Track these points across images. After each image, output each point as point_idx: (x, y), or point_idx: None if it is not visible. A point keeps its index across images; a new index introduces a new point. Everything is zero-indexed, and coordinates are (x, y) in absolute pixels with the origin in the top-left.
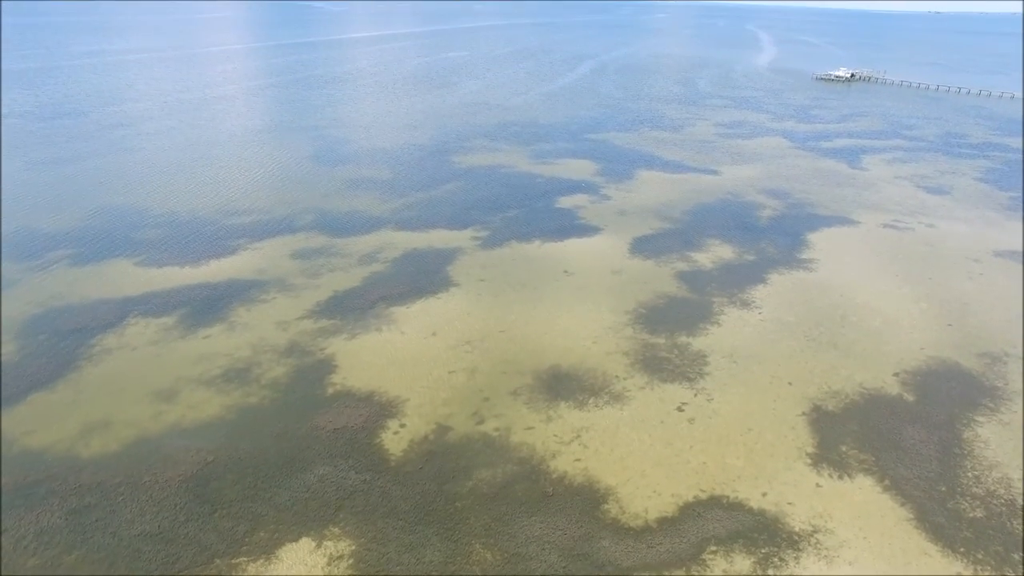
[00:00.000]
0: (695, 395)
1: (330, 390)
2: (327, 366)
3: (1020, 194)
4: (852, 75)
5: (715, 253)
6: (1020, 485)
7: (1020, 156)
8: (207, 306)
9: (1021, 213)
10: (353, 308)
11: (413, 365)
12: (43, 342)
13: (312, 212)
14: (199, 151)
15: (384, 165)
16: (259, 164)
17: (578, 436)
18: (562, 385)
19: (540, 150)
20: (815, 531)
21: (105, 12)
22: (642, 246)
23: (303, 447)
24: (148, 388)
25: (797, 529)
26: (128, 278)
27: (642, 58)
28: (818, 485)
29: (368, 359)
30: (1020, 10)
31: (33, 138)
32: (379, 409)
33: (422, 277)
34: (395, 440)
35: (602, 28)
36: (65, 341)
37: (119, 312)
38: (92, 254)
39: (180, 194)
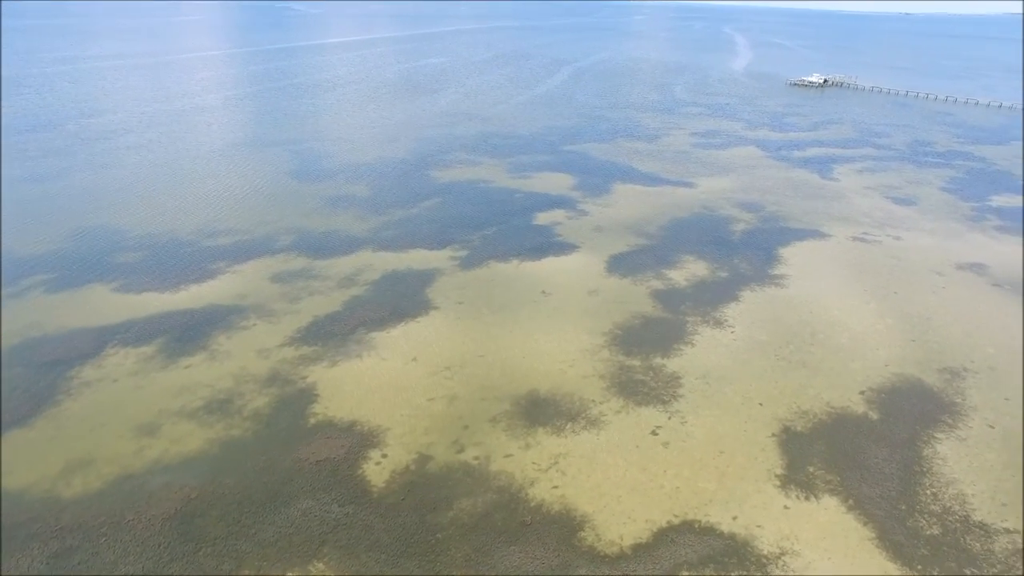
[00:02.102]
0: (669, 418)
1: (312, 420)
2: (309, 395)
3: (982, 205)
4: (825, 81)
5: (689, 270)
6: (974, 501)
7: (982, 165)
8: (187, 334)
9: (982, 224)
10: (334, 334)
11: (394, 393)
12: (20, 375)
13: (292, 232)
14: (178, 167)
15: (363, 181)
16: (239, 181)
17: (556, 463)
18: (540, 411)
19: (518, 163)
20: (782, 554)
21: (76, 15)
22: (618, 264)
23: (286, 480)
24: (130, 422)
25: (765, 552)
26: (106, 305)
27: (620, 63)
28: (786, 507)
29: (349, 387)
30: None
31: (9, 152)
32: (361, 439)
33: (401, 300)
34: (377, 471)
35: (581, 31)
36: (43, 374)
37: (98, 341)
38: (69, 279)
39: (159, 214)
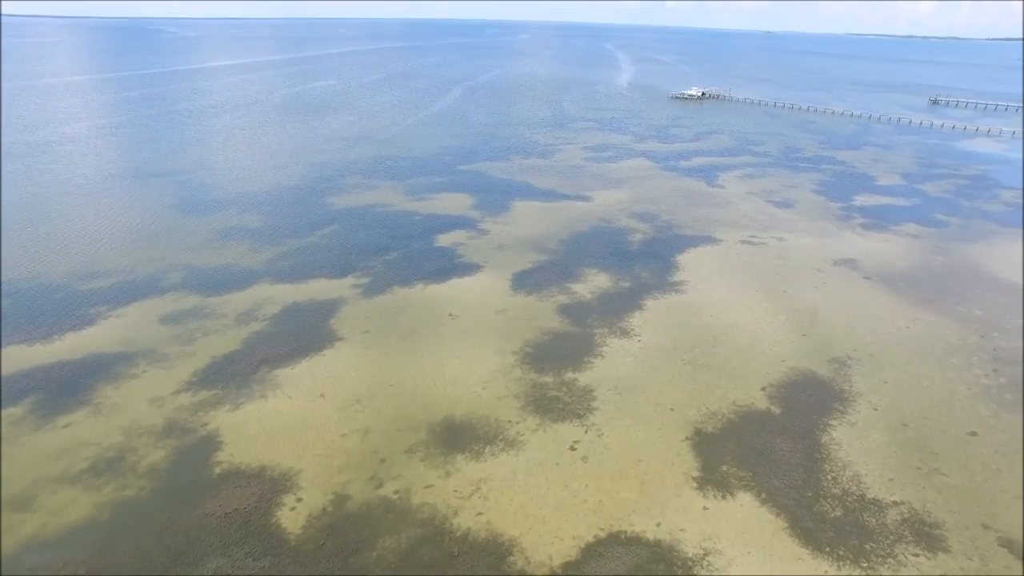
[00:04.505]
0: (586, 432)
1: (217, 470)
2: (211, 443)
3: (848, 205)
4: (703, 94)
5: (593, 283)
6: (867, 480)
7: (844, 168)
8: (65, 389)
9: (850, 223)
10: (234, 375)
11: (303, 432)
12: None
13: (180, 269)
14: (45, 204)
15: (256, 211)
16: (117, 216)
17: (478, 489)
18: (457, 436)
19: (416, 184)
20: (706, 554)
21: None
22: (523, 281)
23: (192, 539)
24: None
25: (690, 554)
26: None
27: (509, 81)
28: (705, 508)
29: (255, 430)
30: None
31: None
32: (272, 485)
33: (304, 334)
34: (292, 517)
35: (469, 51)
36: None
37: None
38: None
39: (23, 257)
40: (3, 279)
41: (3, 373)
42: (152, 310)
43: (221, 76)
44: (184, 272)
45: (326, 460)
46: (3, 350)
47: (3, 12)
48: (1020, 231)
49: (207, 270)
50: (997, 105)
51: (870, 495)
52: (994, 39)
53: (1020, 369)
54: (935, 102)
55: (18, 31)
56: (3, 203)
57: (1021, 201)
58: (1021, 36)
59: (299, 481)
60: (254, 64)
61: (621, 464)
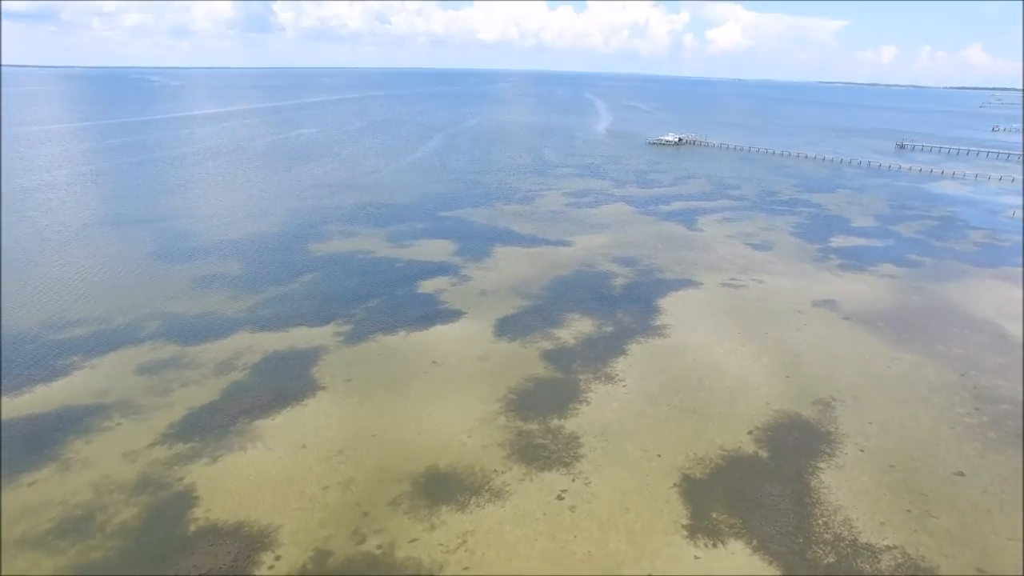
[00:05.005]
0: (573, 480)
1: (192, 527)
2: (187, 499)
3: (824, 246)
4: (680, 139)
5: (576, 328)
6: (858, 524)
7: (819, 211)
8: (32, 444)
9: (827, 264)
10: (212, 427)
11: (284, 485)
12: None
13: (158, 318)
14: (20, 252)
15: (237, 258)
16: (95, 264)
17: (464, 542)
18: (441, 488)
19: (398, 231)
20: None
21: None
22: (506, 327)
23: None
24: None
25: None
26: None
27: (490, 128)
28: (696, 557)
29: (233, 484)
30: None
31: None
32: (250, 542)
33: (286, 383)
34: None
35: (450, 99)
36: None
37: None
38: None
39: None
40: None
41: None
42: (128, 360)
43: (204, 124)
44: (162, 321)
45: (307, 514)
46: None
47: None
48: (991, 271)
49: (186, 318)
50: (960, 149)
51: (862, 540)
52: (950, 87)
53: (1002, 407)
54: (902, 146)
55: (5, 84)
56: None
57: (989, 241)
58: (974, 85)
59: (278, 537)
60: (237, 112)
61: (609, 513)
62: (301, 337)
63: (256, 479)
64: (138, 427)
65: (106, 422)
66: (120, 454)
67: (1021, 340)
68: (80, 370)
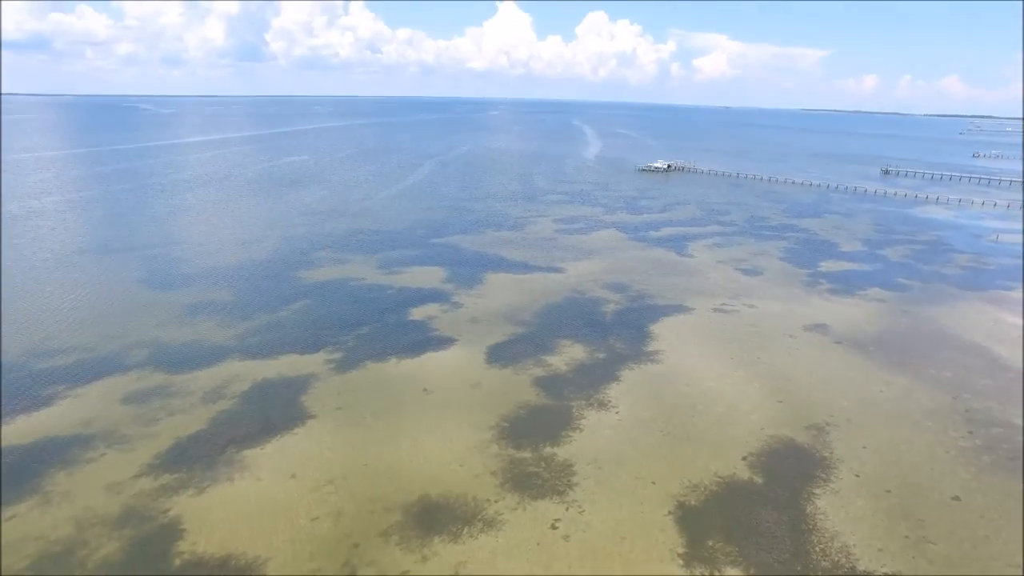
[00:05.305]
0: (567, 509)
1: (177, 561)
2: (172, 531)
3: (815, 271)
4: (669, 166)
5: (568, 354)
6: (856, 551)
7: (807, 236)
8: (11, 477)
9: (817, 288)
10: (199, 457)
11: (272, 516)
12: None
13: (145, 346)
14: (9, 279)
15: (226, 285)
16: (81, 292)
17: (456, 574)
18: (434, 518)
19: (389, 258)
20: None
21: None
22: (497, 354)
23: None
24: None
25: None
26: None
27: (481, 155)
28: None
29: (220, 516)
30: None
31: None
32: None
33: (275, 411)
34: None
35: (441, 126)
36: None
37: None
38: None
39: None
40: None
41: None
42: (114, 389)
43: (195, 151)
44: (149, 349)
45: (296, 546)
46: None
47: None
48: (979, 293)
49: (174, 346)
50: (943, 175)
51: (861, 567)
52: (930, 115)
53: (995, 430)
54: (887, 172)
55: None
56: None
57: (975, 265)
58: (954, 113)
59: (266, 570)
60: (228, 140)
61: (604, 542)
62: (291, 365)
63: (244, 510)
64: (123, 458)
65: (90, 453)
66: (103, 486)
67: (1011, 363)
68: (64, 399)
